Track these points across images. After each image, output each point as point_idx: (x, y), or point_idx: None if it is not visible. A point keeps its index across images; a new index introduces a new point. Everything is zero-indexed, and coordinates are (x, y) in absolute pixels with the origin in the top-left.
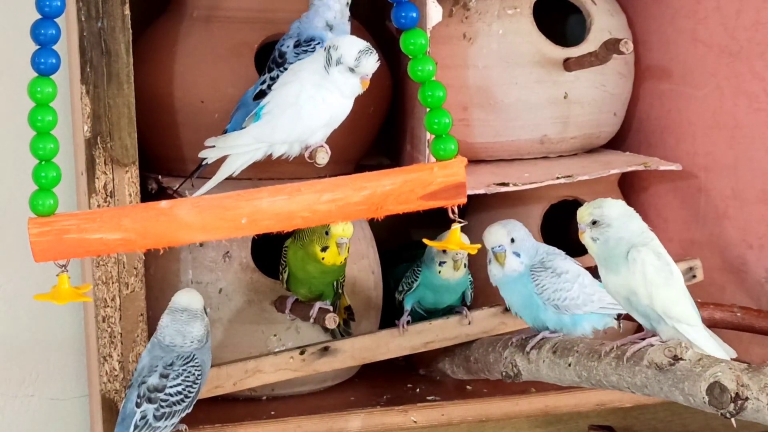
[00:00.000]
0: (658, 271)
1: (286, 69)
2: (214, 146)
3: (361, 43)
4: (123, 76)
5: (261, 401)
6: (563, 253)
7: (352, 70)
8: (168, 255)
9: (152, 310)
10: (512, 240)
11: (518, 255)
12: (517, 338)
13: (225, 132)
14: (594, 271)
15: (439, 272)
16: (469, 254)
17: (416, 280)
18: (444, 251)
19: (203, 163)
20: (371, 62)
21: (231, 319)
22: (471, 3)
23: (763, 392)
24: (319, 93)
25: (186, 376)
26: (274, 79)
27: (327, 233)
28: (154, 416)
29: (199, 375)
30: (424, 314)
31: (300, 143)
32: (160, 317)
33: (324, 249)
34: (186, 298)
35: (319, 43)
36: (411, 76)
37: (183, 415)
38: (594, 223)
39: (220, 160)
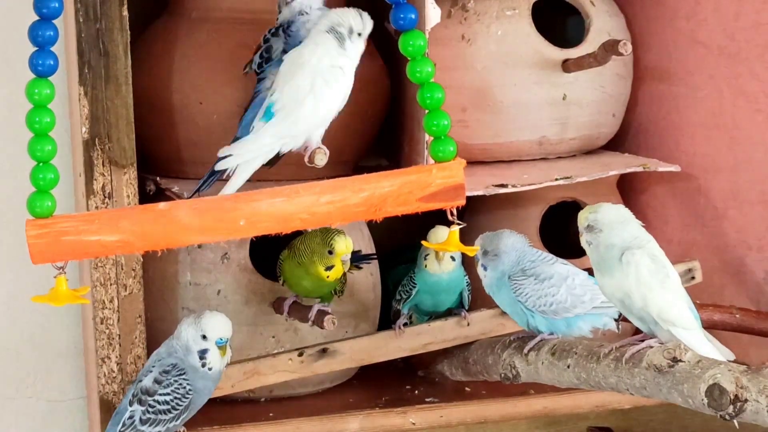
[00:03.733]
0: (653, 274)
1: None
2: (230, 155)
3: (352, 9)
4: (121, 78)
5: (259, 403)
6: (553, 258)
7: (359, 35)
8: (166, 257)
9: (150, 311)
10: (485, 252)
11: (485, 268)
12: (514, 337)
13: (236, 139)
14: (592, 272)
15: (425, 266)
16: (466, 257)
17: (414, 287)
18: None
19: (214, 170)
20: (370, 20)
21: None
22: (470, 4)
23: (762, 394)
24: (333, 75)
25: (176, 388)
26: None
27: (331, 252)
28: (140, 419)
29: (190, 390)
30: (421, 318)
31: (319, 128)
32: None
33: (329, 268)
34: (210, 313)
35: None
36: (410, 78)
37: (170, 425)
38: (589, 227)
39: None
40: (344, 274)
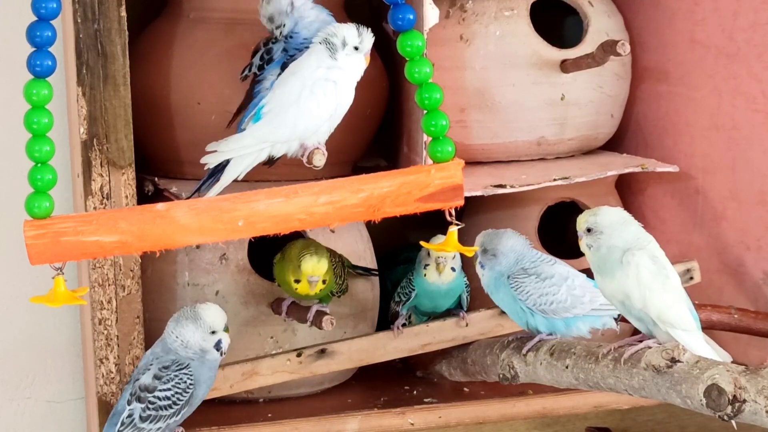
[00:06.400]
0: (654, 275)
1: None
2: (215, 151)
3: (352, 24)
4: (119, 78)
5: (258, 404)
6: (553, 259)
7: (356, 48)
8: (165, 257)
9: (149, 312)
10: (484, 250)
11: (482, 266)
12: (513, 338)
13: None
14: (590, 273)
15: (425, 275)
16: (464, 257)
17: (413, 290)
18: (428, 254)
19: (206, 168)
20: (370, 37)
21: (228, 321)
22: (468, 4)
23: (760, 394)
24: (321, 87)
25: (176, 383)
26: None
27: (299, 267)
28: (140, 417)
29: (191, 384)
30: (420, 318)
31: (301, 140)
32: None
33: (297, 281)
34: (205, 307)
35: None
36: (408, 78)
37: (170, 421)
38: (589, 230)
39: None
40: (344, 276)
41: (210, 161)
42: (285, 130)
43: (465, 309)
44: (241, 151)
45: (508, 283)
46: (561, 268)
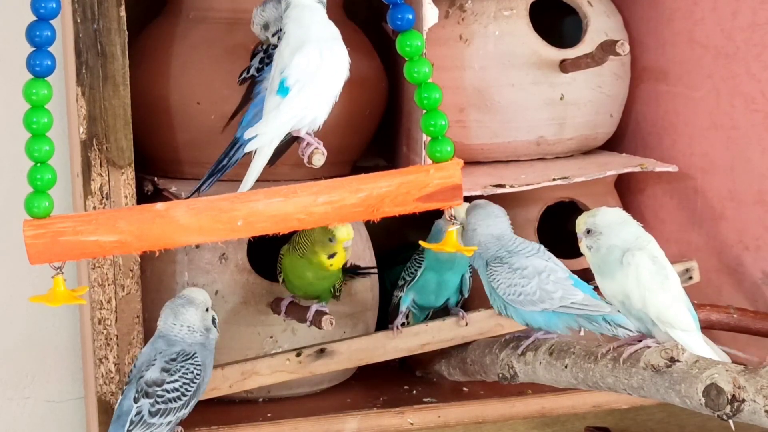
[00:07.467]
0: (653, 275)
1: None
2: (256, 135)
3: None
4: (119, 78)
5: (257, 403)
6: (538, 249)
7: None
8: (164, 257)
9: (148, 312)
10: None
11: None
12: (510, 337)
13: (235, 139)
14: (584, 273)
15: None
16: None
17: (420, 267)
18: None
19: (236, 153)
20: None
21: (227, 321)
22: (467, 4)
23: (759, 394)
24: (336, 45)
25: (184, 373)
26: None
27: (332, 240)
28: (149, 412)
29: (198, 374)
30: (420, 313)
31: (335, 99)
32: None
33: (332, 256)
34: (189, 291)
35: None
36: (407, 78)
37: (179, 414)
38: (588, 231)
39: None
40: (341, 279)
41: (255, 146)
42: (321, 93)
43: (466, 293)
44: (282, 128)
45: (487, 270)
46: (538, 261)
